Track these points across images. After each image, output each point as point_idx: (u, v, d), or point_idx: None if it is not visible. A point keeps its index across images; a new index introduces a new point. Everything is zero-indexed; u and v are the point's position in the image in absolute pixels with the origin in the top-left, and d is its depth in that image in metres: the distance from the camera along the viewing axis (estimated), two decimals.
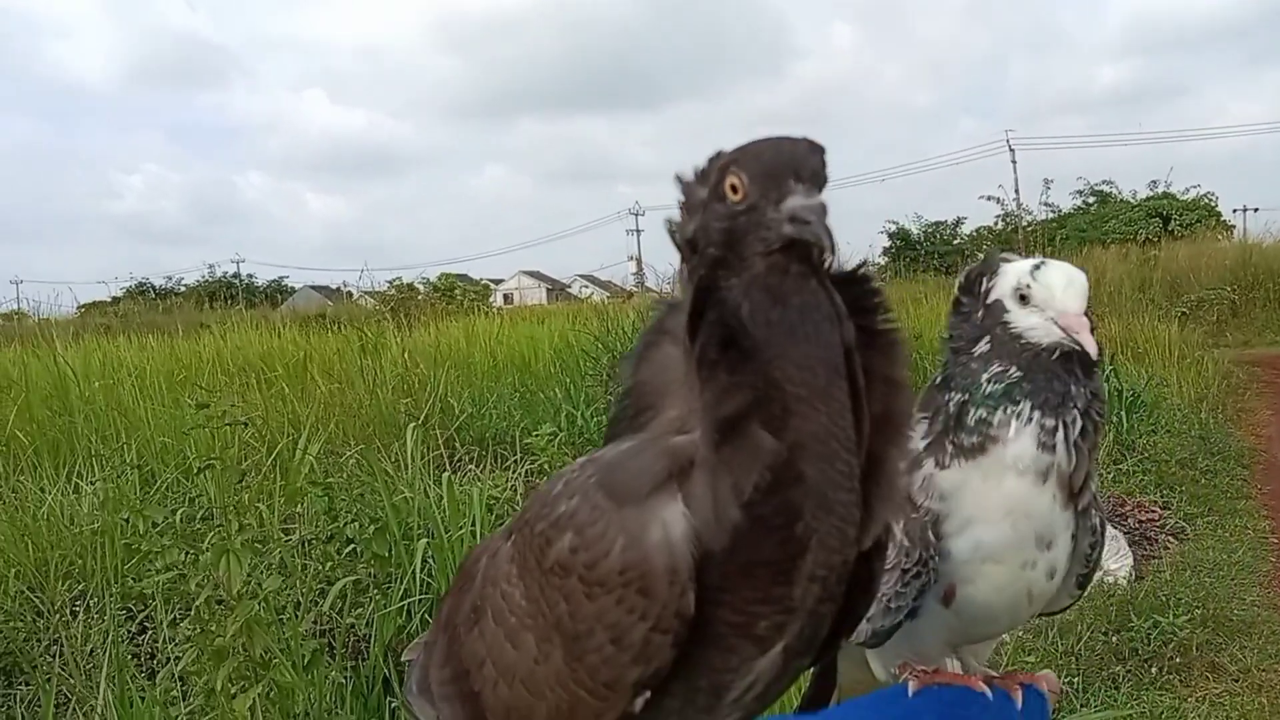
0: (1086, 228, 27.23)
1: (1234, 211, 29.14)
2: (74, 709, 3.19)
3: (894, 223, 32.76)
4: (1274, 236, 19.42)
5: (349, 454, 5.05)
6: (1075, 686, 3.84)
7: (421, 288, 17.00)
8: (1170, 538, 5.77)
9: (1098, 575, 4.75)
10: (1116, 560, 4.97)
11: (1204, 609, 4.45)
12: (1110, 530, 5.23)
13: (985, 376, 1.09)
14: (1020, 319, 1.10)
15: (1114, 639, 4.22)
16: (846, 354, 0.70)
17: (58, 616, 3.91)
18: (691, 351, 0.70)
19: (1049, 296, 1.09)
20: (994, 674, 1.13)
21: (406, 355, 7.39)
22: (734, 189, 0.70)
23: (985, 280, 1.14)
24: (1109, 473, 6.42)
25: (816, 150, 0.71)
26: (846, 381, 0.70)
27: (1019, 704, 1.07)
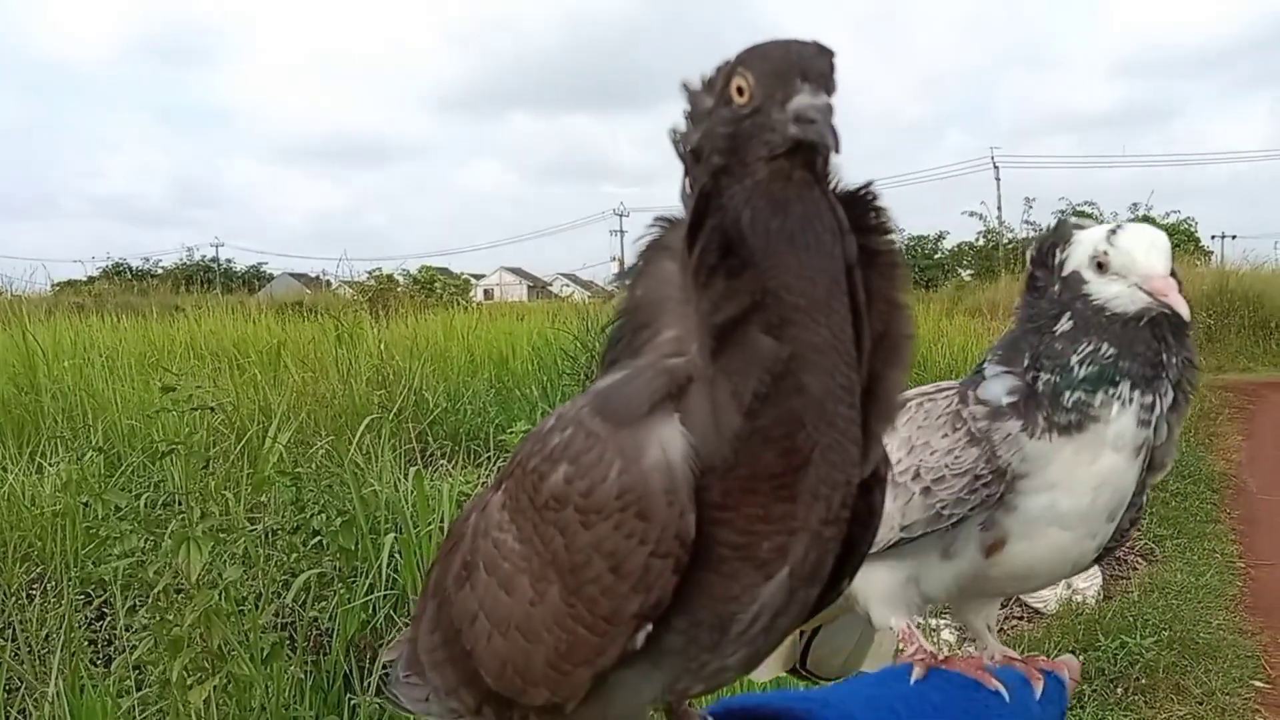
0: None
1: (1212, 238, 29.50)
2: (24, 695, 3.12)
3: None
4: (1251, 264, 19.65)
5: (319, 444, 4.98)
6: None
7: (401, 279, 16.91)
8: (1139, 559, 5.80)
9: (1065, 593, 4.70)
10: (1085, 579, 4.98)
11: (1171, 631, 4.47)
12: None
13: (1075, 359, 1.03)
14: (1101, 289, 1.04)
15: (1081, 658, 4.22)
16: (848, 269, 0.68)
17: (13, 600, 3.84)
18: (689, 260, 0.68)
19: (1129, 261, 1.03)
20: (1016, 656, 1.09)
21: (382, 347, 7.32)
22: (740, 90, 0.68)
23: (1058, 251, 1.08)
24: None
25: (826, 53, 0.68)
26: (847, 297, 0.67)
27: (1039, 691, 1.01)
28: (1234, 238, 28.64)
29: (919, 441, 1.10)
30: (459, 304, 14.11)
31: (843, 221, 0.68)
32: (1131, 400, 1.02)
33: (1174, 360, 1.04)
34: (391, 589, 3.72)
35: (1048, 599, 4.90)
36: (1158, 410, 1.03)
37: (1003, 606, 5.02)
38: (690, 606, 0.68)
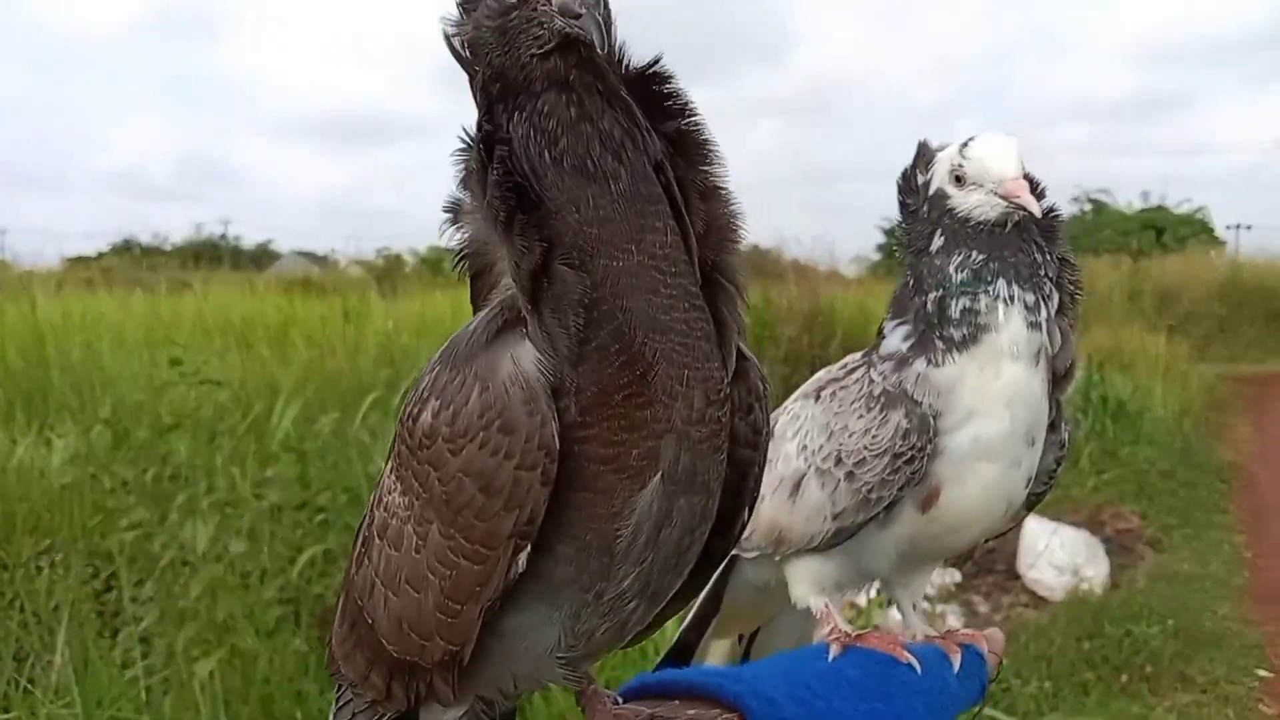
0: (1081, 235, 27.28)
1: (1227, 228, 29.21)
2: (33, 664, 3.13)
3: (889, 219, 32.83)
4: (1266, 254, 19.51)
5: (325, 421, 4.98)
6: (1045, 691, 3.83)
7: (409, 259, 16.88)
8: (1147, 547, 5.78)
9: (1072, 580, 4.70)
10: (1092, 568, 4.98)
11: (1177, 620, 4.46)
12: (1087, 538, 5.24)
13: (951, 268, 1.07)
14: (962, 200, 1.07)
15: (1086, 645, 4.22)
16: (657, 168, 0.67)
17: (22, 571, 3.85)
18: (485, 208, 0.68)
19: (982, 169, 1.06)
20: (936, 634, 1.10)
21: (390, 325, 7.32)
22: None
23: (920, 174, 1.12)
24: (1090, 482, 6.43)
25: None
26: (663, 198, 0.67)
27: (956, 665, 1.02)
28: (1249, 228, 28.28)
29: (837, 426, 1.12)
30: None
31: (637, 117, 0.67)
32: (1013, 299, 1.05)
33: (1048, 259, 1.06)
34: None
35: (1054, 587, 4.90)
36: (1044, 312, 1.05)
37: (1007, 593, 5.02)
38: (572, 530, 0.68)
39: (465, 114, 0.70)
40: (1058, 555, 4.94)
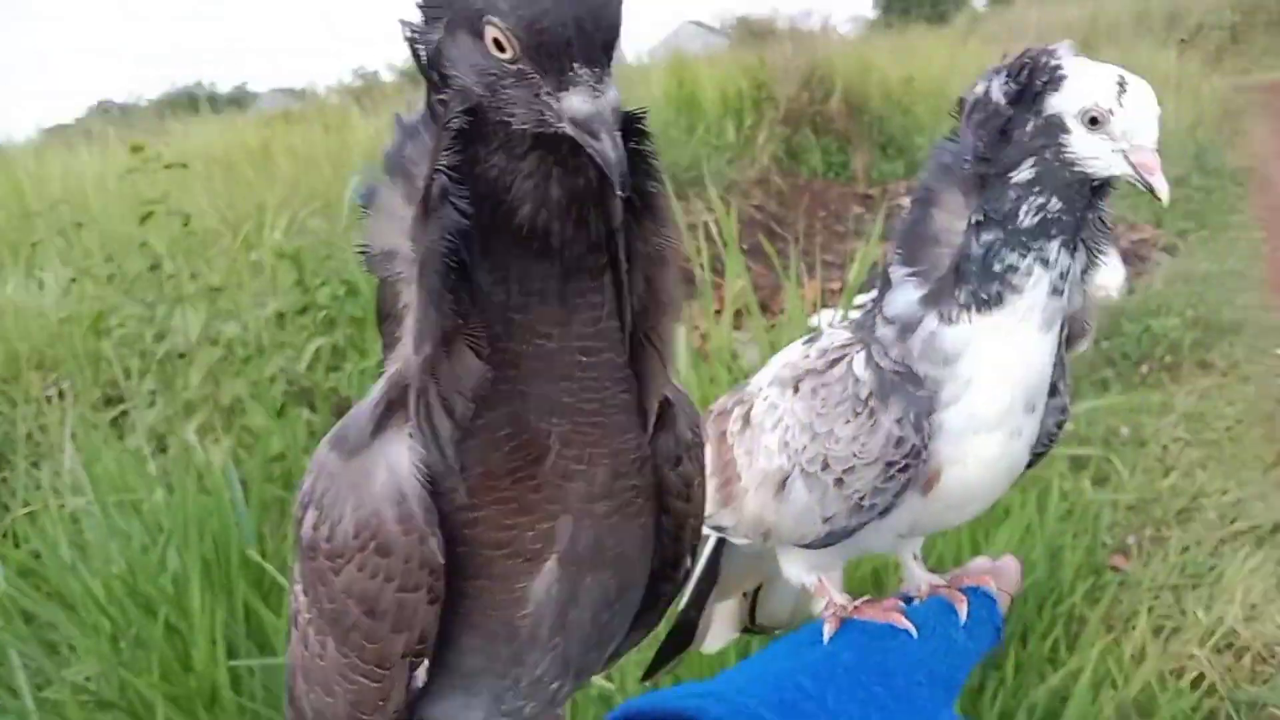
0: None
1: None
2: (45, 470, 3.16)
3: None
4: None
5: (315, 225, 4.90)
6: None
7: (388, 75, 16.38)
8: (1164, 254, 5.72)
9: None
10: (1109, 274, 4.91)
11: (1195, 311, 4.44)
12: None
13: (1025, 208, 0.92)
14: (1083, 145, 0.91)
15: (1105, 345, 4.21)
16: (610, 235, 0.61)
17: (33, 406, 3.87)
18: (413, 263, 0.60)
19: (1130, 126, 0.90)
20: (941, 581, 1.04)
21: (373, 131, 7.13)
22: (498, 45, 0.56)
23: (1046, 89, 0.93)
24: None
25: (608, 5, 0.55)
26: (610, 268, 0.62)
27: (963, 616, 0.97)
28: None
29: (822, 429, 1.01)
30: None
31: (609, 183, 0.58)
32: (1051, 263, 0.92)
33: (1092, 220, 0.93)
34: None
35: None
36: (1071, 275, 0.93)
37: None
38: (473, 620, 0.65)
39: None
40: None
